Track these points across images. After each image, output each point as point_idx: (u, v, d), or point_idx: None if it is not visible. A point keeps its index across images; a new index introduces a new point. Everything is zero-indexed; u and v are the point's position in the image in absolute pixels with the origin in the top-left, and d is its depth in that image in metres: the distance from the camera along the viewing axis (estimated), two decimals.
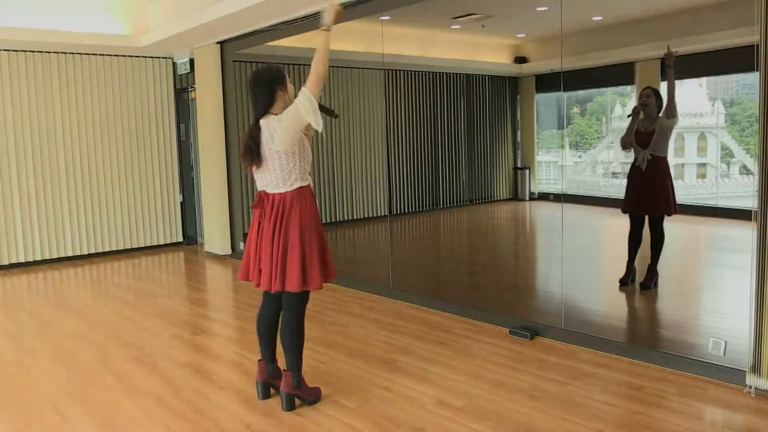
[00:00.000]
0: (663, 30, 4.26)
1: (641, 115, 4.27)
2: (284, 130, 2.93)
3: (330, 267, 3.12)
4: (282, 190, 3.01)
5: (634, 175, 4.36)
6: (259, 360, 3.28)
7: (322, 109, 3.30)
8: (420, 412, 3.07)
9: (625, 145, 4.40)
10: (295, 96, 2.99)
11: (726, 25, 3.84)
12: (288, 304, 3.10)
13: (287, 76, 3.11)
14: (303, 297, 3.10)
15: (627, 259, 4.44)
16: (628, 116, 4.33)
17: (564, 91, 4.57)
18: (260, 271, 3.05)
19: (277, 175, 3.00)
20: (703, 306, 4.47)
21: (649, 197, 4.31)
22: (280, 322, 3.16)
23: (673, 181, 4.25)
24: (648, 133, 4.24)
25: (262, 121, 3.00)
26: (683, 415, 2.94)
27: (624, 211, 4.48)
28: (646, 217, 4.38)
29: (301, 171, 3.03)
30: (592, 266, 5.18)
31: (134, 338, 4.41)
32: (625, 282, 4.51)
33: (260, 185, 3.10)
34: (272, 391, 3.29)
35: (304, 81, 2.95)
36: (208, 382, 3.56)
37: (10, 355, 4.14)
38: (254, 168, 3.04)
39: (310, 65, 2.93)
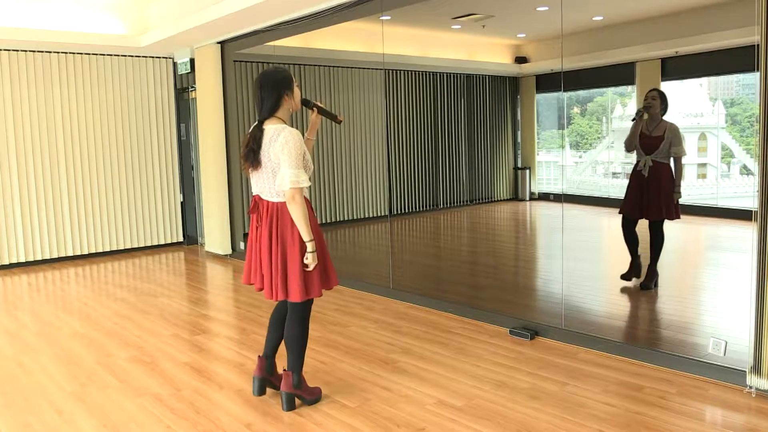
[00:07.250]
0: (663, 30, 4.26)
1: (645, 117, 4.25)
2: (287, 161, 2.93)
3: (331, 274, 3.11)
4: (275, 200, 2.98)
5: (636, 179, 4.34)
6: (259, 356, 3.28)
7: (326, 113, 3.28)
8: (420, 412, 3.07)
9: (629, 147, 4.38)
10: (300, 97, 3.11)
11: (726, 25, 3.84)
12: (291, 307, 3.10)
13: (295, 80, 3.10)
14: (305, 302, 3.09)
15: (630, 257, 4.43)
16: (633, 119, 4.30)
17: (564, 91, 4.57)
18: (262, 276, 3.05)
19: (271, 184, 2.96)
20: (703, 306, 4.47)
21: (650, 202, 4.29)
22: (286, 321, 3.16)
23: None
24: (652, 137, 4.22)
25: (266, 125, 2.98)
26: (683, 415, 2.94)
27: (621, 213, 4.47)
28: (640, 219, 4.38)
29: None
30: (593, 266, 5.18)
31: (134, 338, 4.42)
32: (628, 278, 4.50)
33: (255, 189, 3.07)
34: (269, 390, 3.29)
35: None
36: (208, 381, 3.56)
37: (10, 355, 4.14)
38: (251, 170, 3.03)
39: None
